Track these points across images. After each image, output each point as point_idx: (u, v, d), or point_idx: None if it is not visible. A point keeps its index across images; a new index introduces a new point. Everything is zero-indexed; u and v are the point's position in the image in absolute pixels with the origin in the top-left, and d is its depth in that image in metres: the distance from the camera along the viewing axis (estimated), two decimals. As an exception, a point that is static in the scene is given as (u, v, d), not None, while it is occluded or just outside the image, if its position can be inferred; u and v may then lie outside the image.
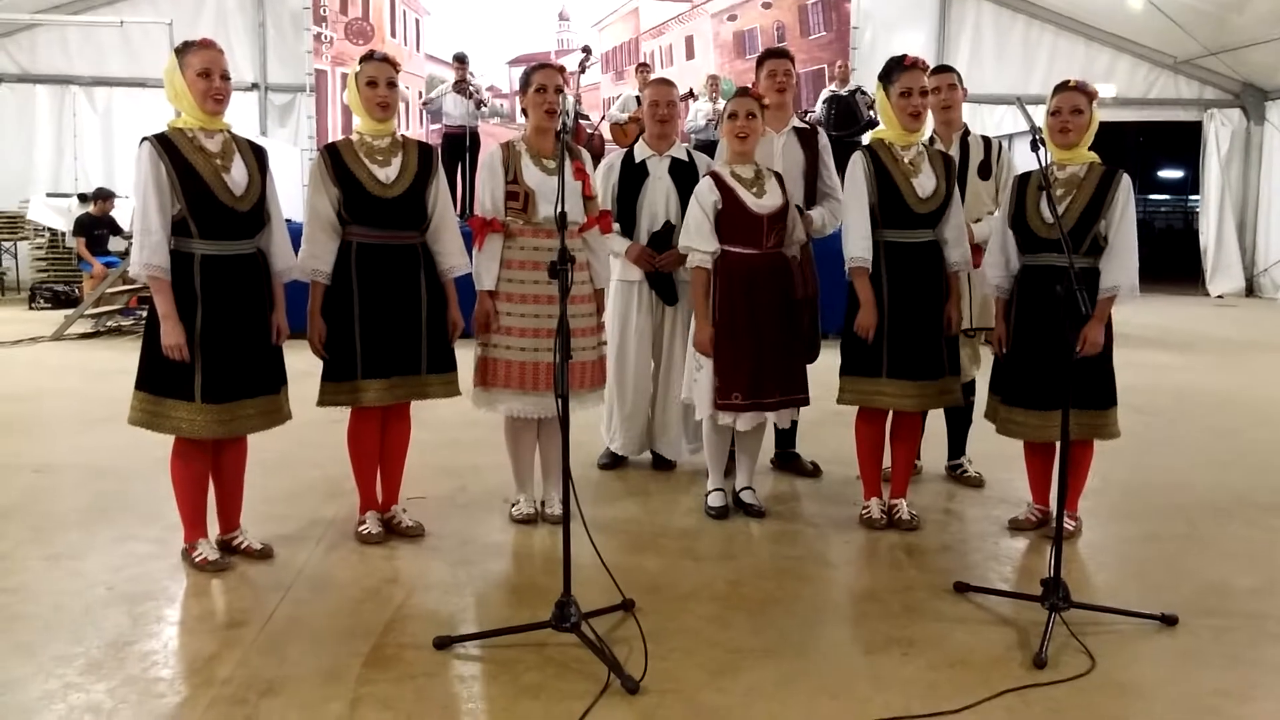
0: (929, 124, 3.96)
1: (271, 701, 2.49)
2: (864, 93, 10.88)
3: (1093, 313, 3.37)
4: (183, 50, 3.19)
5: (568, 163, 3.58)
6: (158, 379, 3.18)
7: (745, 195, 3.77)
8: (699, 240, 3.79)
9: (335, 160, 3.46)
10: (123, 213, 11.10)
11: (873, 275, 3.72)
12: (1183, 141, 21.21)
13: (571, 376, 3.50)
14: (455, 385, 3.65)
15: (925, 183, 3.70)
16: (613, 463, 4.64)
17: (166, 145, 3.14)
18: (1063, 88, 3.54)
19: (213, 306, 3.18)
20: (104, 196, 11.05)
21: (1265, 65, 13.16)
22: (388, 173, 3.47)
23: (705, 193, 3.80)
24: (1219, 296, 13.68)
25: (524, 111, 3.79)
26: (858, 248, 3.71)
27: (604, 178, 4.31)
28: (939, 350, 3.76)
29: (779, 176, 3.90)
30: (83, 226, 10.82)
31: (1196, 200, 18.15)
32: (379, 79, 3.46)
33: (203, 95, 3.15)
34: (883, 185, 3.69)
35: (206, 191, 3.14)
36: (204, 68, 3.15)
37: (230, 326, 3.21)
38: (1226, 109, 14.05)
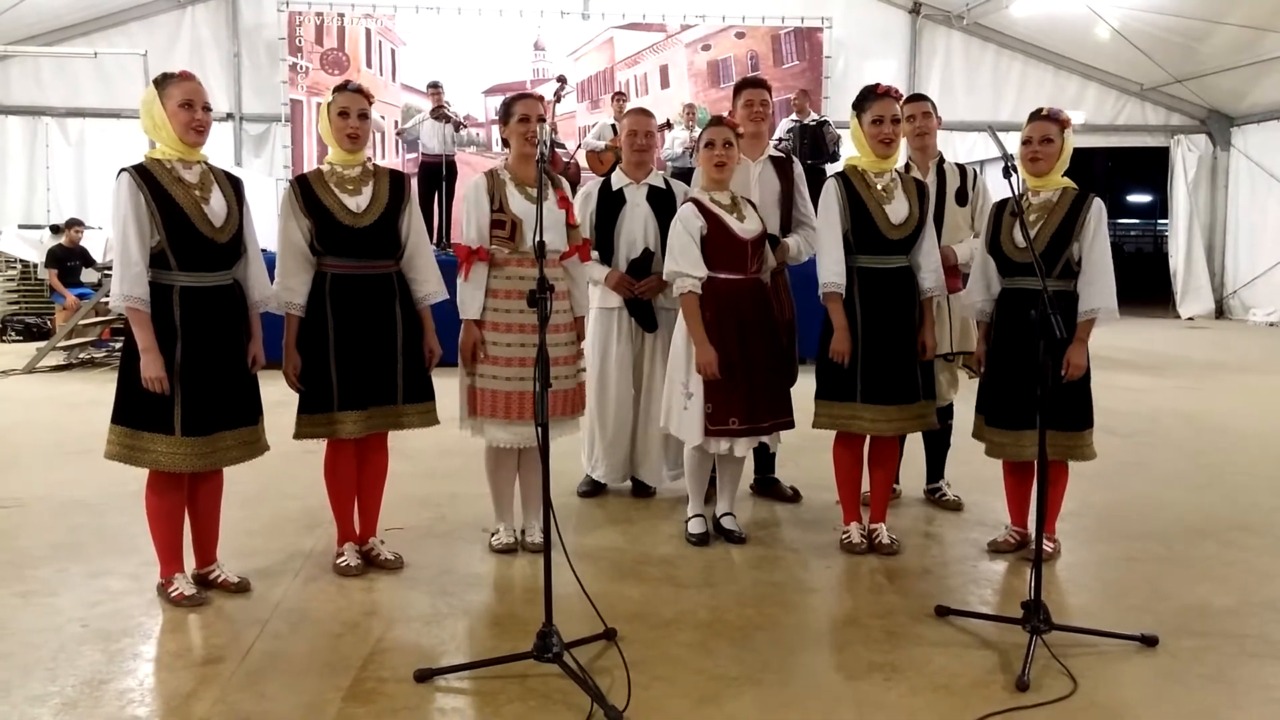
0: (903, 152, 4.00)
1: (250, 738, 2.46)
2: (829, 125, 10.94)
3: (1069, 336, 3.39)
4: (162, 82, 3.19)
5: (550, 192, 3.60)
6: (135, 412, 3.15)
7: (730, 221, 3.79)
8: (687, 265, 3.75)
9: (305, 191, 3.46)
10: (95, 243, 11.03)
11: (846, 301, 3.72)
12: (1151, 166, 21.58)
13: (552, 405, 3.51)
14: (433, 414, 3.63)
15: (899, 209, 3.71)
16: (592, 490, 4.63)
17: (145, 176, 3.13)
18: (1035, 116, 3.58)
19: (192, 338, 3.16)
20: (73, 225, 10.99)
21: (1230, 92, 13.42)
22: (358, 201, 3.46)
23: (690, 218, 3.78)
24: (1189, 319, 13.86)
25: (505, 141, 3.81)
26: (831, 274, 3.72)
27: (581, 206, 4.32)
28: (914, 374, 3.75)
29: (751, 204, 3.96)
30: (55, 258, 10.74)
31: (1165, 224, 18.40)
32: (351, 110, 3.46)
33: (184, 126, 3.15)
34: (856, 212, 3.70)
35: (186, 223, 3.13)
36: (186, 99, 3.15)
37: (209, 358, 3.19)
38: (1193, 135, 14.30)
